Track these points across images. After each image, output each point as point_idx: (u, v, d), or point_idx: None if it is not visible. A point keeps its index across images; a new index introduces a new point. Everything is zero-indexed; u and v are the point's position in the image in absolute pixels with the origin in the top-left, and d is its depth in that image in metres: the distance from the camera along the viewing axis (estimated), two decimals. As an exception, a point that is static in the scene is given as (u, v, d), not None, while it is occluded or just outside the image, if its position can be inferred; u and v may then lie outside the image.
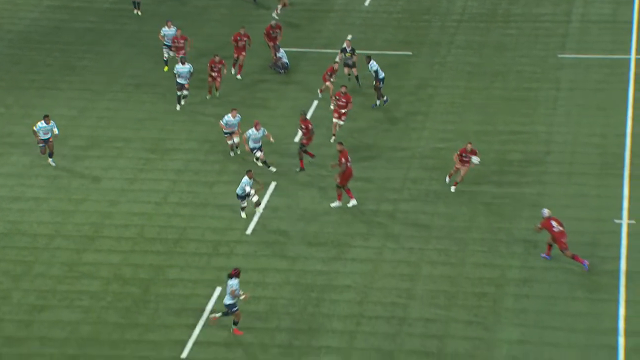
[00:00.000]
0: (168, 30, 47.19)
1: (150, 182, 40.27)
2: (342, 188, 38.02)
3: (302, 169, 40.28)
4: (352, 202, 38.11)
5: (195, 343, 31.94)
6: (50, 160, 40.59)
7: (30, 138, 43.20)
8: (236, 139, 41.11)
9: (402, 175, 40.27)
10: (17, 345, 31.91)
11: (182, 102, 44.78)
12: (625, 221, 37.55)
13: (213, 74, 45.05)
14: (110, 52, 50.51)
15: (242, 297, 31.53)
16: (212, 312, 32.37)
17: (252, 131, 39.84)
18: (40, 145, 40.35)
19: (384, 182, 39.78)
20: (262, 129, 39.93)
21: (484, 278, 34.68)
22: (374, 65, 44.15)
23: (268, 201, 38.65)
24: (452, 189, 38.96)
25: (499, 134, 43.36)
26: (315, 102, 45.22)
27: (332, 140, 41.83)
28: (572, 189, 39.63)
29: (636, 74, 47.38)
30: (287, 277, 34.80)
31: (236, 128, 40.99)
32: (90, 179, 40.38)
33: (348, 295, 33.76)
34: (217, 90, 45.57)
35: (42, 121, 40.13)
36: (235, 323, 31.73)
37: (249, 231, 37.25)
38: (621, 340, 31.82)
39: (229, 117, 40.77)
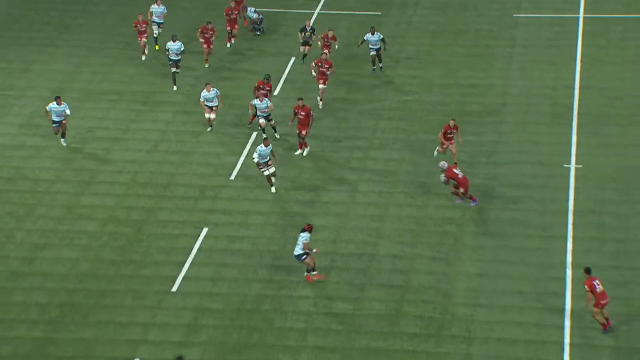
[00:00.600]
0: (157, 8, 45.25)
1: (142, 131, 40.11)
2: (302, 139, 37.74)
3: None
4: (305, 151, 38.18)
5: (184, 278, 32.04)
6: (62, 140, 38.35)
7: (32, 91, 43.01)
8: (213, 115, 39.05)
9: (372, 126, 40.27)
10: (21, 280, 31.95)
11: (176, 84, 42.55)
12: (573, 165, 37.77)
13: (205, 37, 43.39)
14: (103, 12, 50.10)
15: (314, 250, 31.20)
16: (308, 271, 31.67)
17: (256, 101, 38.25)
18: (54, 125, 37.92)
19: (355, 132, 39.78)
20: (265, 100, 38.10)
21: (445, 218, 34.87)
22: (377, 36, 43.02)
23: (247, 153, 38.60)
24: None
25: (460, 87, 43.38)
26: (293, 59, 45.08)
27: (320, 107, 40.98)
28: (526, 136, 39.76)
29: (584, 32, 47.41)
30: (268, 219, 34.86)
31: (216, 103, 38.93)
32: (86, 129, 40.19)
33: (323, 234, 33.88)
34: (207, 57, 44.08)
35: (54, 102, 37.67)
36: (308, 270, 31.43)
37: (232, 177, 37.25)
38: (569, 272, 32.13)
39: (204, 93, 38.80)
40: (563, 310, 30.59)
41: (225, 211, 35.17)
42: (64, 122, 37.80)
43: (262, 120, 38.32)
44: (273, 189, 35.80)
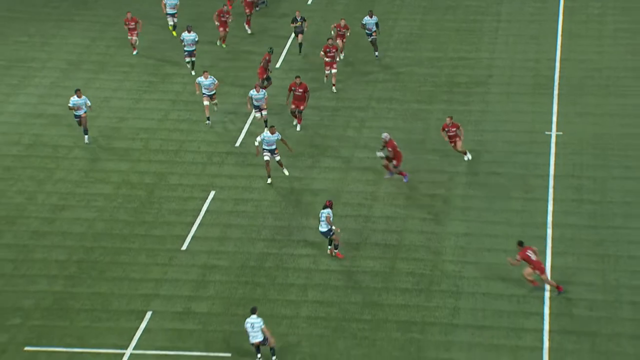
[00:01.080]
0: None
1: (153, 101, 39.96)
2: (300, 112, 37.14)
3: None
4: (298, 127, 37.38)
5: (193, 237, 32.04)
6: (85, 137, 36.34)
7: (51, 63, 42.83)
8: (208, 102, 37.19)
9: (367, 96, 40.11)
10: (42, 238, 31.96)
11: (194, 69, 41.10)
12: (554, 132, 37.69)
13: (221, 20, 42.35)
14: (117, -11, 49.81)
15: (334, 228, 30.36)
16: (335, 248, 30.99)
17: (253, 92, 36.55)
18: (77, 119, 36.26)
19: (352, 102, 39.63)
20: (262, 90, 36.53)
21: (436, 182, 34.81)
22: (374, 19, 42.14)
23: (252, 120, 38.47)
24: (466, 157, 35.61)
25: (449, 60, 43.18)
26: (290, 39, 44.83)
27: (334, 90, 39.86)
28: (510, 106, 39.65)
29: (565, 7, 47.12)
30: (271, 184, 34.81)
31: (213, 92, 37.15)
32: (101, 99, 40.04)
33: (322, 197, 33.82)
34: (224, 39, 43.19)
35: (75, 96, 35.94)
36: (336, 247, 30.81)
37: (237, 144, 37.14)
38: (549, 232, 32.14)
39: (201, 79, 36.96)
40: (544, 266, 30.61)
41: (230, 175, 35.11)
42: (84, 115, 35.98)
43: (257, 115, 36.73)
44: (269, 181, 34.10)
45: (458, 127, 34.74)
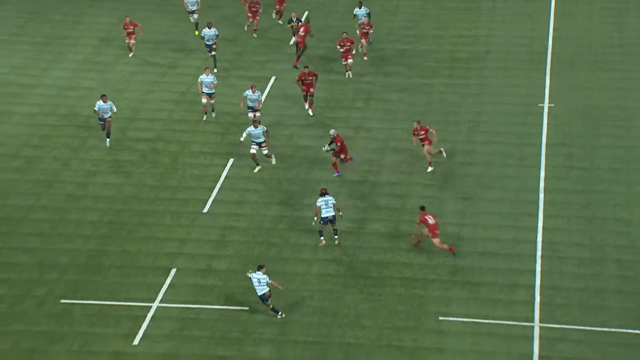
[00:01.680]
0: None
1: (177, 75, 39.77)
2: (311, 95, 36.05)
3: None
4: (310, 111, 36.36)
5: (214, 201, 31.99)
6: (107, 140, 34.43)
7: (84, 40, 42.66)
8: (212, 101, 35.50)
9: (374, 71, 39.82)
10: (77, 201, 31.97)
11: (217, 66, 39.25)
12: (546, 105, 37.44)
13: (252, 10, 41.21)
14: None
15: (340, 214, 29.38)
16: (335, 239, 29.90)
17: (248, 92, 34.71)
18: (100, 123, 34.49)
19: (359, 77, 39.33)
20: (257, 92, 34.65)
21: (436, 150, 34.55)
22: (364, 9, 40.94)
23: (268, 93, 38.28)
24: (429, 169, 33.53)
25: (450, 37, 42.84)
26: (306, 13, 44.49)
27: (350, 76, 38.64)
28: (506, 80, 39.36)
29: (558, -11, 46.75)
30: (284, 151, 34.68)
31: (213, 91, 35.34)
32: (129, 73, 39.88)
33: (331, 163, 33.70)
34: (255, 28, 41.93)
35: (100, 100, 34.13)
36: (335, 233, 29.58)
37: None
38: (541, 196, 32.00)
39: (203, 77, 35.31)
40: (536, 227, 30.52)
41: (246, 146, 34.94)
42: (108, 119, 34.07)
43: (250, 115, 34.60)
44: (257, 169, 32.81)
45: (427, 130, 32.69)
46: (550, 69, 40.12)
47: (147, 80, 39.45)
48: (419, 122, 32.94)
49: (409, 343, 26.19)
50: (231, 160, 34.02)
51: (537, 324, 26.79)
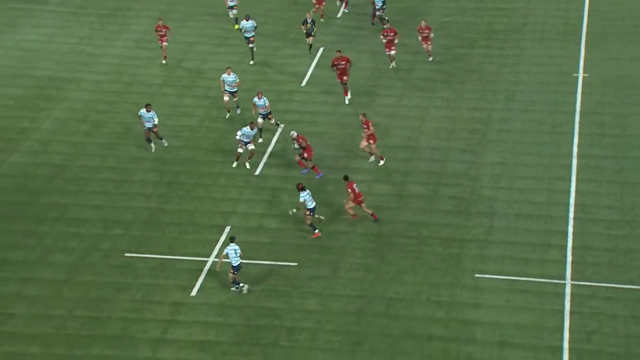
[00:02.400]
0: None
1: (232, 46, 39.64)
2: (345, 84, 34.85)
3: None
4: (347, 99, 35.02)
5: (265, 164, 31.94)
6: (162, 141, 32.39)
7: (145, 12, 42.62)
8: (228, 98, 33.78)
9: (416, 43, 39.30)
10: (140, 162, 32.17)
11: (254, 58, 37.76)
12: (580, 74, 36.73)
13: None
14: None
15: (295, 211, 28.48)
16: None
17: (255, 99, 32.65)
18: (145, 129, 32.19)
19: (401, 48, 38.75)
20: (264, 98, 32.57)
21: (474, 118, 34.24)
22: None
23: (317, 63, 38.04)
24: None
25: (488, 10, 42.12)
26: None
27: (393, 66, 36.83)
28: (543, 51, 38.66)
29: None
30: (331, 118, 34.53)
31: (235, 89, 33.65)
32: (187, 44, 39.87)
33: (375, 131, 33.32)
34: (322, 14, 40.60)
35: (144, 109, 31.99)
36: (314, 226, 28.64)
37: (303, 83, 36.81)
38: (574, 161, 31.52)
39: (224, 76, 33.69)
40: (569, 191, 30.13)
41: (297, 111, 34.87)
42: (155, 129, 32.07)
43: (260, 120, 32.62)
44: (247, 165, 31.28)
45: (368, 126, 30.90)
46: (585, 40, 39.30)
47: (204, 50, 39.42)
48: (364, 115, 31.21)
49: (447, 298, 26.09)
50: (281, 127, 33.95)
51: (568, 282, 26.53)
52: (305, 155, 30.89)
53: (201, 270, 27.14)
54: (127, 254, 27.82)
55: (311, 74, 37.29)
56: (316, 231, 28.37)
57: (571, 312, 25.47)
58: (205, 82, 37.10)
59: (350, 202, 28.65)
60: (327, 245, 28.11)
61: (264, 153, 32.52)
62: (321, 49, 39.04)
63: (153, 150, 32.24)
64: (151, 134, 32.12)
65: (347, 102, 34.91)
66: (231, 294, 26.32)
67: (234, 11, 40.14)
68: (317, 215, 28.58)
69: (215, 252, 27.85)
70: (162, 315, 25.57)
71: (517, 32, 40.24)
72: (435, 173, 31.31)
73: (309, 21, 37.87)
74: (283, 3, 42.91)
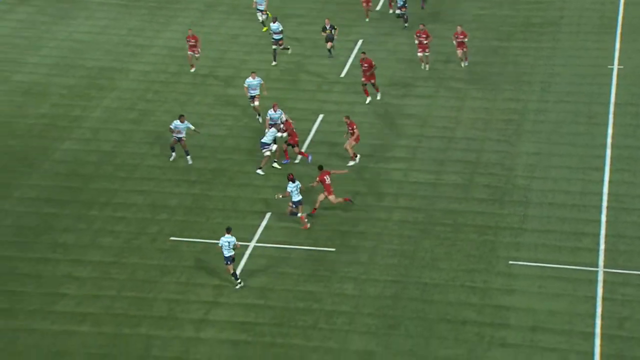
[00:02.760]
0: None
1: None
2: (369, 84, 34.23)
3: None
4: (378, 95, 34.36)
5: (310, 143, 31.96)
6: (188, 157, 31.20)
7: (194, 4, 42.71)
8: (257, 103, 32.89)
9: (452, 34, 38.87)
10: (159, 137, 32.08)
11: (276, 58, 36.97)
12: (615, 66, 36.09)
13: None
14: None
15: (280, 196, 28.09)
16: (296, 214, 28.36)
17: (271, 112, 31.34)
18: (175, 137, 31.14)
19: (438, 40, 38.40)
20: (279, 110, 31.33)
21: (510, 109, 33.84)
22: None
23: (355, 56, 37.81)
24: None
25: (526, 3, 41.54)
26: None
27: (426, 68, 36.07)
28: (578, 44, 38.05)
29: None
30: (369, 108, 34.35)
31: (258, 92, 32.74)
32: (231, 36, 39.92)
33: (412, 120, 33.31)
34: (367, 15, 40.18)
35: (177, 120, 31.03)
36: (295, 214, 28.11)
37: (342, 74, 36.66)
38: (608, 152, 31.02)
39: (249, 79, 32.78)
40: (602, 181, 29.66)
41: (336, 102, 34.76)
42: (183, 139, 31.07)
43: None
44: (276, 165, 30.56)
45: (353, 128, 29.97)
46: (620, 32, 38.60)
47: (247, 42, 39.44)
48: (348, 117, 30.55)
49: (481, 284, 25.87)
50: (320, 116, 33.86)
51: (601, 269, 26.14)
52: (290, 141, 30.41)
53: (243, 255, 27.21)
54: (172, 238, 27.98)
55: (350, 65, 37.12)
56: (307, 222, 27.87)
57: (603, 299, 25.11)
58: (248, 72, 36.98)
59: (323, 196, 28.24)
60: (365, 232, 28.01)
61: (303, 142, 32.46)
62: (360, 41, 38.83)
63: (172, 159, 31.18)
64: (178, 145, 31.06)
65: (378, 97, 34.05)
66: (271, 278, 26.37)
67: (263, 15, 39.16)
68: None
69: (257, 237, 27.90)
70: (205, 297, 25.71)
71: (553, 25, 39.64)
72: (470, 162, 31.01)
73: (327, 27, 36.90)
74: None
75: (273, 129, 30.63)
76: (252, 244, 27.66)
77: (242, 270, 26.65)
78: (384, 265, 26.73)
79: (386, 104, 34.45)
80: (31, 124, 33.68)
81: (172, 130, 31.02)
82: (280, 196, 28.22)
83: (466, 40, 35.70)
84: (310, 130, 33.05)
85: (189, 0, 43.20)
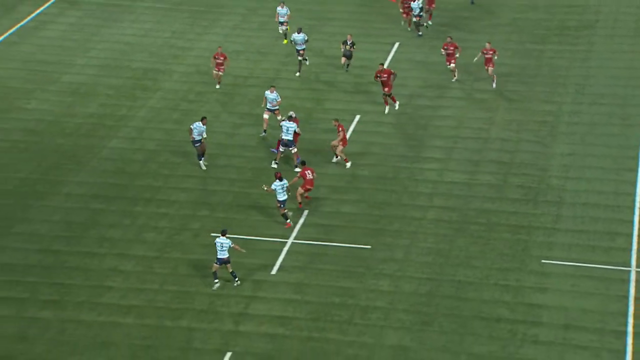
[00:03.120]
0: (282, 10, 38.27)
1: (315, 41, 39.41)
2: (388, 95, 33.54)
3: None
4: (396, 105, 33.89)
5: (346, 148, 31.96)
6: (201, 161, 31.01)
7: (237, 9, 42.94)
8: (279, 117, 32.14)
9: (487, 38, 38.60)
10: (225, 149, 32.39)
11: (301, 70, 36.53)
12: (651, 70, 35.68)
13: (405, 8, 38.52)
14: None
15: (289, 193, 27.87)
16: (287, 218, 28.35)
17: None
18: (196, 145, 30.80)
19: (473, 43, 38.22)
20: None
21: (544, 110, 33.59)
22: (417, 2, 38.21)
23: (393, 57, 37.76)
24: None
25: (561, 6, 41.15)
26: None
27: (454, 80, 35.25)
28: (613, 47, 37.64)
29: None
30: (405, 109, 34.31)
31: (277, 107, 31.97)
32: (273, 38, 39.96)
33: (448, 122, 33.20)
34: (409, 23, 39.19)
35: (199, 122, 30.69)
36: (286, 217, 28.20)
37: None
38: (642, 155, 30.79)
39: (267, 92, 32.11)
40: (635, 181, 29.34)
41: (373, 102, 34.73)
42: (202, 141, 30.73)
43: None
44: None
45: (342, 130, 29.98)
46: (656, 36, 38.09)
47: (288, 46, 39.57)
48: (337, 120, 30.64)
49: (514, 282, 25.73)
50: (357, 117, 33.91)
51: (633, 269, 25.85)
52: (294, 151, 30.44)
53: (281, 251, 27.37)
54: (213, 234, 28.19)
55: (387, 67, 37.01)
56: (288, 221, 27.88)
57: (635, 298, 24.82)
58: (289, 74, 37.25)
59: (302, 190, 28.31)
60: (400, 230, 28.00)
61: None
62: (397, 44, 38.79)
63: (204, 167, 30.89)
64: (197, 149, 30.69)
65: (386, 111, 33.49)
66: (308, 273, 26.50)
67: (284, 27, 38.40)
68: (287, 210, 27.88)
69: (294, 234, 28.03)
70: (245, 291, 25.90)
71: (589, 28, 39.21)
72: (504, 163, 30.83)
73: (348, 42, 35.83)
74: (361, 2, 42.75)
75: (286, 123, 30.19)
76: (290, 241, 27.80)
77: (280, 266, 26.81)
78: (419, 263, 26.70)
79: (422, 106, 34.36)
80: (79, 123, 34.20)
81: (191, 131, 30.46)
82: (266, 188, 27.98)
83: (495, 57, 34.36)
84: (349, 128, 33.08)
85: (232, 5, 43.50)
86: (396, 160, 31.31)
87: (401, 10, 39.76)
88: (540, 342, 23.83)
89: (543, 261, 26.39)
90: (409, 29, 39.57)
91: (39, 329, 24.47)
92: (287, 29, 38.63)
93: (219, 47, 36.20)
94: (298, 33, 36.24)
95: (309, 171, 28.66)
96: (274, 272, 26.68)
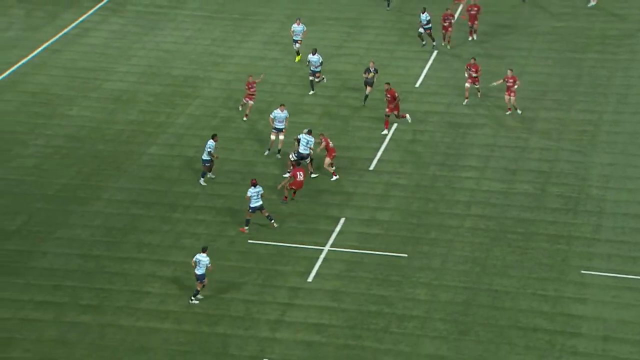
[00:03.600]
0: (297, 27, 38.09)
1: (351, 48, 39.79)
2: (392, 115, 32.88)
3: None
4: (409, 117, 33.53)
5: (379, 160, 31.82)
6: (209, 174, 30.83)
7: (273, 16, 43.08)
8: (281, 137, 31.60)
9: (528, 47, 38.35)
10: (261, 156, 32.36)
11: (314, 89, 36.03)
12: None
13: (445, 23, 37.97)
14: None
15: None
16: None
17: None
18: (206, 164, 30.64)
19: (514, 52, 37.98)
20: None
21: (585, 120, 33.24)
22: (427, 16, 37.82)
23: (431, 66, 37.64)
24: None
25: (602, 15, 40.73)
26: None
27: (464, 103, 34.55)
28: (655, 55, 37.15)
29: None
30: (442, 118, 34.20)
31: (283, 125, 31.59)
32: (306, 47, 40.16)
33: (484, 130, 33.03)
34: (449, 40, 38.47)
35: (212, 140, 30.49)
36: (270, 218, 28.41)
37: (417, 84, 36.57)
38: (685, 166, 30.23)
39: (277, 112, 31.65)
40: (678, 194, 28.85)
41: (411, 111, 34.65)
42: (214, 158, 30.56)
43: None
44: (313, 175, 30.55)
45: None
46: (699, 44, 37.50)
47: (324, 53, 39.60)
48: (323, 134, 30.68)
49: (552, 292, 25.47)
50: (395, 125, 33.87)
51: (675, 283, 25.43)
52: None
53: (317, 258, 27.41)
54: (250, 241, 28.32)
55: (425, 75, 37.03)
56: (245, 227, 27.98)
57: (677, 312, 24.40)
58: (327, 77, 37.30)
59: (288, 184, 28.98)
60: (437, 239, 27.90)
61: (378, 149, 32.53)
62: (435, 52, 38.70)
63: (204, 184, 30.64)
64: (205, 167, 30.49)
65: (409, 119, 32.98)
66: (344, 281, 26.49)
67: (297, 45, 38.10)
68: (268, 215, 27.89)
69: (331, 241, 28.06)
70: (281, 298, 25.97)
71: (631, 37, 38.77)
72: (543, 172, 30.57)
73: (372, 70, 34.56)
74: (399, 9, 42.71)
75: (305, 136, 30.09)
76: (327, 249, 27.82)
77: (317, 274, 26.84)
78: (456, 272, 26.57)
79: (460, 114, 34.22)
80: (120, 129, 34.61)
81: (212, 155, 30.22)
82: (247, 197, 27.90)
83: (516, 87, 32.86)
84: (384, 138, 33.05)
85: (270, 12, 43.78)
86: (434, 169, 31.21)
87: (443, 28, 38.55)
88: (579, 353, 23.55)
89: (582, 271, 26.08)
90: (448, 46, 38.76)
91: (78, 334, 24.76)
92: (299, 46, 37.93)
93: (250, 76, 34.70)
94: (313, 54, 35.55)
95: (300, 172, 28.85)
96: (310, 279, 26.72)
